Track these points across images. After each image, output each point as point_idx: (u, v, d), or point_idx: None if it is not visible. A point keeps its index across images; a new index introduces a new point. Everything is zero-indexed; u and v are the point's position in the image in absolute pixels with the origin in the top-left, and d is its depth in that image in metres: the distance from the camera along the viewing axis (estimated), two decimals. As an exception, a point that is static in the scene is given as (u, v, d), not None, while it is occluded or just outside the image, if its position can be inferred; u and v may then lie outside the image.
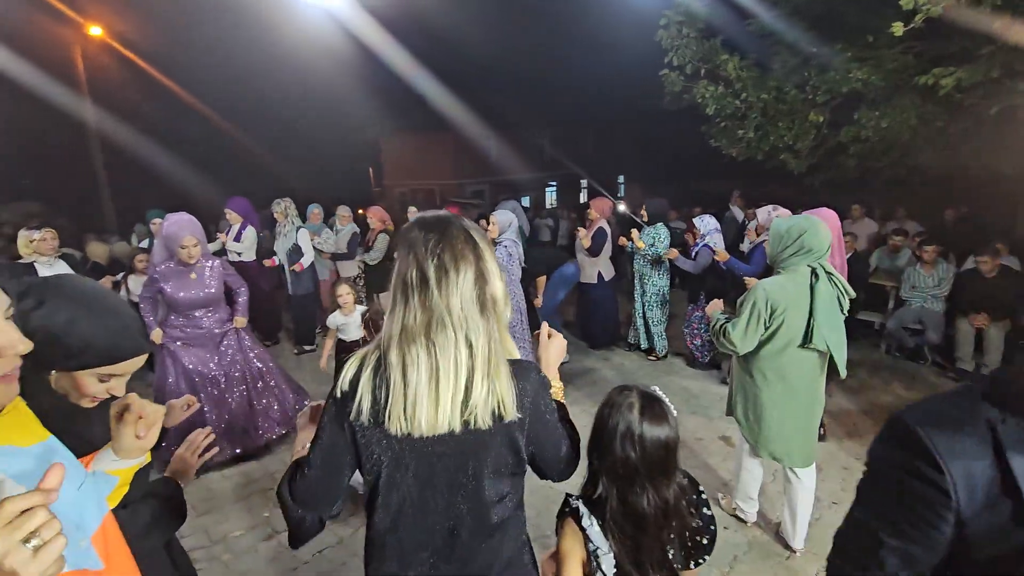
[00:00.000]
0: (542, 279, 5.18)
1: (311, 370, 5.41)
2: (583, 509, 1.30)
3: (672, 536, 1.28)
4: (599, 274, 5.44)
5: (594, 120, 23.14)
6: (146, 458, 1.11)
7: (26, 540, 0.62)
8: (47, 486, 0.66)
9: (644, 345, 5.50)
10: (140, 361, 1.19)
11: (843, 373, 2.45)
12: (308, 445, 1.16)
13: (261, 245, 5.94)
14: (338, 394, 1.07)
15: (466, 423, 1.03)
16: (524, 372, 1.10)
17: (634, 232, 5.21)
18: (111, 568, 0.66)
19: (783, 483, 2.69)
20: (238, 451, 3.59)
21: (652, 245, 5.12)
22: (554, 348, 1.35)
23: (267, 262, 5.73)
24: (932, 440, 0.78)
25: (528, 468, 1.20)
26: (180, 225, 3.30)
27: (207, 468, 3.46)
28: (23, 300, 1.03)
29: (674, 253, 4.97)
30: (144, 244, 6.13)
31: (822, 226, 2.39)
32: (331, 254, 6.34)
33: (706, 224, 5.01)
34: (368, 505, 1.14)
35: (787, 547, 2.73)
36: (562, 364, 1.49)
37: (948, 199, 8.06)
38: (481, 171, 21.46)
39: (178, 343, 3.47)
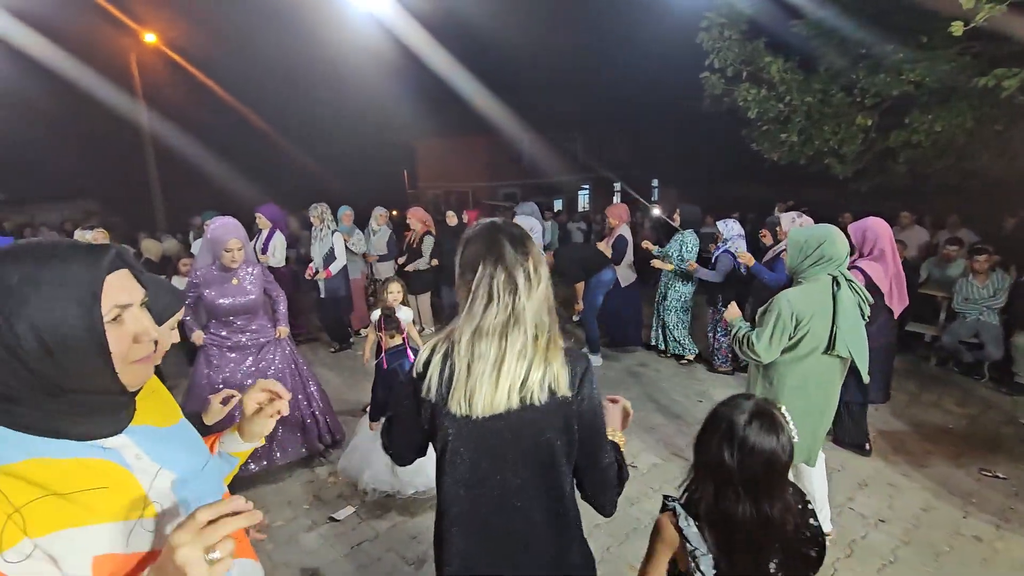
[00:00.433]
0: (580, 285, 5.19)
1: (348, 368, 5.55)
2: (680, 510, 1.31)
3: (775, 551, 1.25)
4: (616, 281, 5.41)
5: (629, 123, 22.90)
6: (261, 441, 1.22)
7: (208, 551, 0.66)
8: (234, 507, 0.70)
9: (662, 346, 5.50)
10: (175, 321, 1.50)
11: (866, 378, 2.48)
12: None
13: (298, 249, 6.00)
14: (415, 374, 1.23)
15: (522, 400, 1.16)
16: (576, 357, 1.23)
17: (656, 261, 5.22)
18: (236, 544, 0.72)
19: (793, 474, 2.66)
20: (288, 460, 3.52)
21: (679, 254, 5.11)
22: (617, 410, 1.45)
23: (308, 273, 5.69)
24: None
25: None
26: (226, 228, 3.25)
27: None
28: None
29: (693, 266, 4.96)
30: (198, 243, 6.30)
31: (839, 235, 2.42)
32: (365, 255, 6.43)
33: (729, 229, 4.95)
34: (437, 471, 1.26)
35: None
36: None
37: (1007, 206, 7.66)
38: (514, 173, 21.53)
39: (214, 348, 3.38)
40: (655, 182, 25.76)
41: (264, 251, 5.57)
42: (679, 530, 1.29)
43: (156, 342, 0.84)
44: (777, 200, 8.68)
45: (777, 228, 4.42)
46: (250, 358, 3.45)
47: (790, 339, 2.39)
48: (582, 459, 1.24)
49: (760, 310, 2.50)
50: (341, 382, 5.18)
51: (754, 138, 7.77)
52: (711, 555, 1.25)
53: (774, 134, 7.40)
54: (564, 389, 1.17)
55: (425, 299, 6.55)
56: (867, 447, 3.63)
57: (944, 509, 3.09)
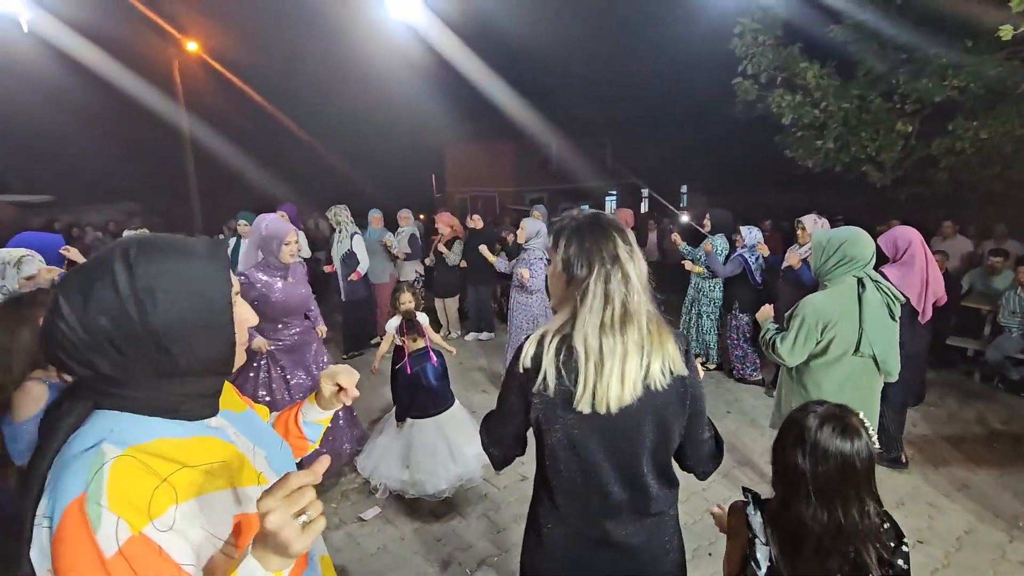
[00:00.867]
0: None
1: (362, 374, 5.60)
2: (751, 499, 1.37)
3: (844, 561, 1.23)
4: None
5: (658, 128, 22.67)
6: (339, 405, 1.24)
7: (298, 515, 0.69)
8: (320, 470, 0.76)
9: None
10: None
11: (892, 377, 2.45)
12: None
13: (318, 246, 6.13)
14: (520, 369, 1.23)
15: (647, 387, 1.19)
16: (679, 335, 1.27)
17: (687, 263, 5.19)
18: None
19: None
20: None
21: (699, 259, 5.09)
22: None
23: (327, 268, 5.83)
24: None
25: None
26: (281, 222, 3.10)
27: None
28: None
29: (708, 248, 4.94)
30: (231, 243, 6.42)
31: (863, 235, 2.40)
32: (395, 255, 6.45)
33: (753, 236, 4.93)
34: (548, 460, 1.28)
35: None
36: None
37: (1057, 216, 7.33)
38: (541, 179, 21.53)
39: (273, 347, 3.23)
40: (684, 188, 25.45)
41: None
42: (746, 516, 1.35)
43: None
44: (811, 208, 8.47)
45: (800, 229, 4.39)
46: (304, 359, 3.33)
47: (817, 343, 2.40)
48: (688, 432, 1.30)
49: (787, 314, 2.50)
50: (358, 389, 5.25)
51: (788, 144, 7.62)
52: (768, 548, 1.29)
53: (809, 140, 7.25)
54: (680, 368, 1.22)
55: (452, 302, 6.59)
56: (903, 459, 3.54)
57: (988, 531, 2.96)
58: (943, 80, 5.90)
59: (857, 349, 2.36)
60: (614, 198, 24.10)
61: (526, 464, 3.59)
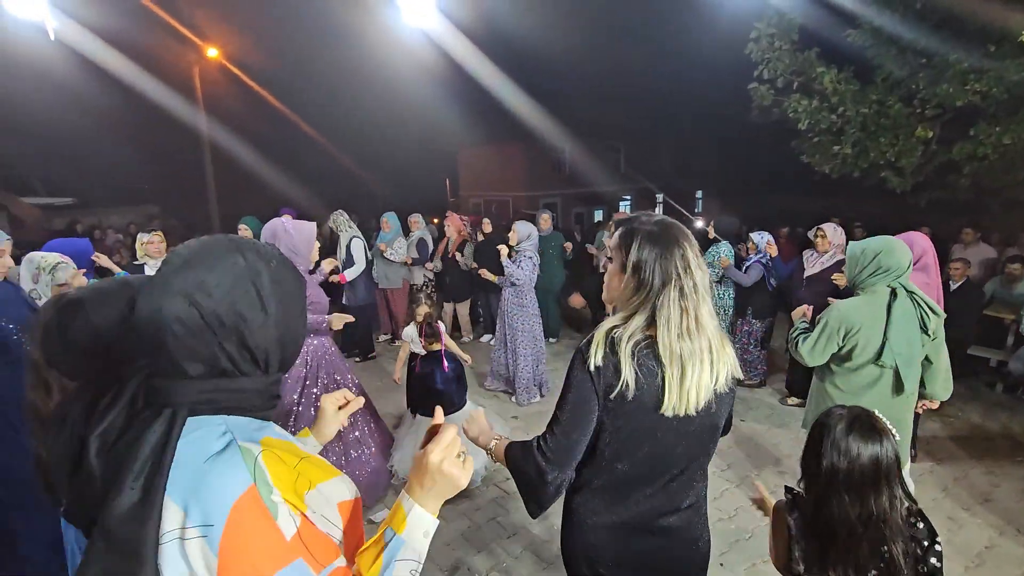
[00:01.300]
0: None
1: (376, 377, 5.64)
2: (787, 499, 1.46)
3: (877, 560, 1.27)
4: None
5: (673, 133, 22.58)
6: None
7: (457, 456, 0.90)
8: (454, 430, 0.93)
9: None
10: None
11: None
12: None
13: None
14: (593, 367, 1.23)
15: (715, 390, 1.27)
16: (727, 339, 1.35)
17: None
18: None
19: None
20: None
21: (711, 264, 5.01)
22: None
23: (335, 277, 5.52)
24: None
25: None
26: (310, 225, 3.01)
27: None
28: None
29: (726, 263, 4.88)
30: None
31: (898, 245, 2.38)
32: (402, 260, 6.35)
33: (763, 240, 4.91)
34: (594, 459, 1.32)
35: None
36: None
37: (1083, 224, 7.16)
38: (555, 183, 21.52)
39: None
40: (699, 193, 25.28)
41: None
42: (785, 514, 1.43)
43: None
44: (828, 213, 8.38)
45: (820, 237, 4.36)
46: (322, 371, 3.11)
47: (840, 348, 2.41)
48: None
49: (817, 317, 2.54)
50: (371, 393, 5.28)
51: (804, 150, 7.55)
52: (800, 546, 1.37)
53: (826, 146, 7.17)
54: (738, 372, 1.32)
55: (464, 307, 6.60)
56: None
57: (1010, 547, 2.89)
58: (964, 85, 5.79)
59: (879, 358, 2.34)
60: (628, 203, 24.02)
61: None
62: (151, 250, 4.15)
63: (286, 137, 20.14)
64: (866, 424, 1.31)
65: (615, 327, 1.26)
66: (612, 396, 1.21)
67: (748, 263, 4.88)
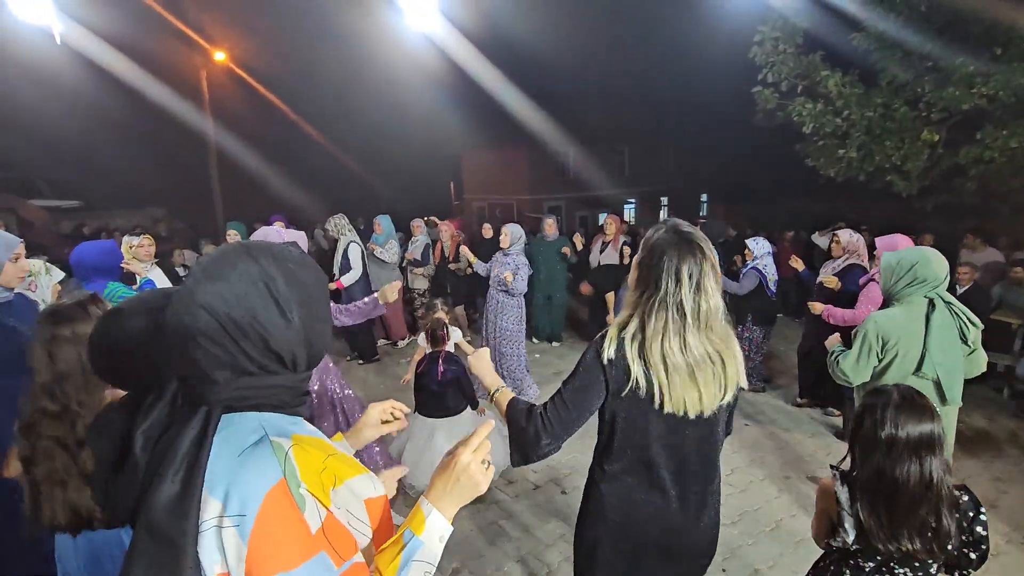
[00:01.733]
0: (611, 295, 5.53)
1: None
2: (837, 475, 1.52)
3: (933, 526, 1.37)
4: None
5: (677, 136, 22.54)
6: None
7: (482, 461, 0.94)
8: (486, 431, 0.98)
9: None
10: None
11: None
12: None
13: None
14: (605, 360, 1.33)
15: (722, 390, 1.34)
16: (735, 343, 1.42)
17: None
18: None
19: None
20: None
21: None
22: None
23: (333, 284, 5.49)
24: None
25: None
26: (289, 230, 3.04)
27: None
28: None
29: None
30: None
31: (935, 255, 2.36)
32: (398, 262, 6.28)
33: (760, 247, 4.85)
34: (606, 447, 1.44)
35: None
36: None
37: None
38: (559, 186, 21.52)
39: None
40: (704, 197, 25.23)
41: None
42: (834, 491, 1.49)
43: None
44: (833, 217, 8.35)
45: (834, 243, 4.34)
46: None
47: (879, 360, 2.39)
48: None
49: (853, 332, 2.51)
50: (375, 396, 5.28)
51: (809, 153, 7.52)
52: (853, 517, 1.44)
53: (831, 149, 7.15)
54: (743, 380, 1.39)
55: (459, 309, 6.63)
56: None
57: (1017, 554, 2.85)
58: (971, 88, 5.76)
59: (919, 369, 2.31)
60: (633, 206, 24.01)
61: (538, 473, 3.58)
62: (140, 254, 4.02)
63: (291, 140, 20.26)
64: (915, 398, 1.43)
65: (625, 325, 1.35)
66: (623, 392, 1.32)
67: (744, 270, 4.83)
